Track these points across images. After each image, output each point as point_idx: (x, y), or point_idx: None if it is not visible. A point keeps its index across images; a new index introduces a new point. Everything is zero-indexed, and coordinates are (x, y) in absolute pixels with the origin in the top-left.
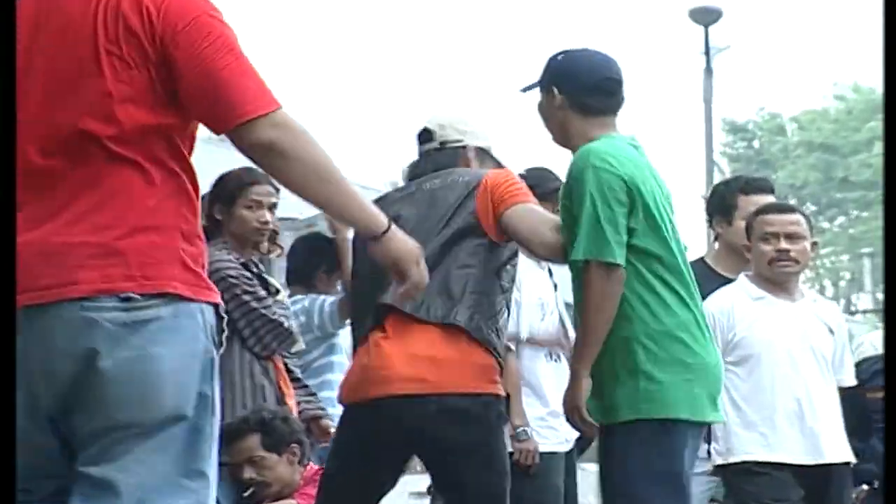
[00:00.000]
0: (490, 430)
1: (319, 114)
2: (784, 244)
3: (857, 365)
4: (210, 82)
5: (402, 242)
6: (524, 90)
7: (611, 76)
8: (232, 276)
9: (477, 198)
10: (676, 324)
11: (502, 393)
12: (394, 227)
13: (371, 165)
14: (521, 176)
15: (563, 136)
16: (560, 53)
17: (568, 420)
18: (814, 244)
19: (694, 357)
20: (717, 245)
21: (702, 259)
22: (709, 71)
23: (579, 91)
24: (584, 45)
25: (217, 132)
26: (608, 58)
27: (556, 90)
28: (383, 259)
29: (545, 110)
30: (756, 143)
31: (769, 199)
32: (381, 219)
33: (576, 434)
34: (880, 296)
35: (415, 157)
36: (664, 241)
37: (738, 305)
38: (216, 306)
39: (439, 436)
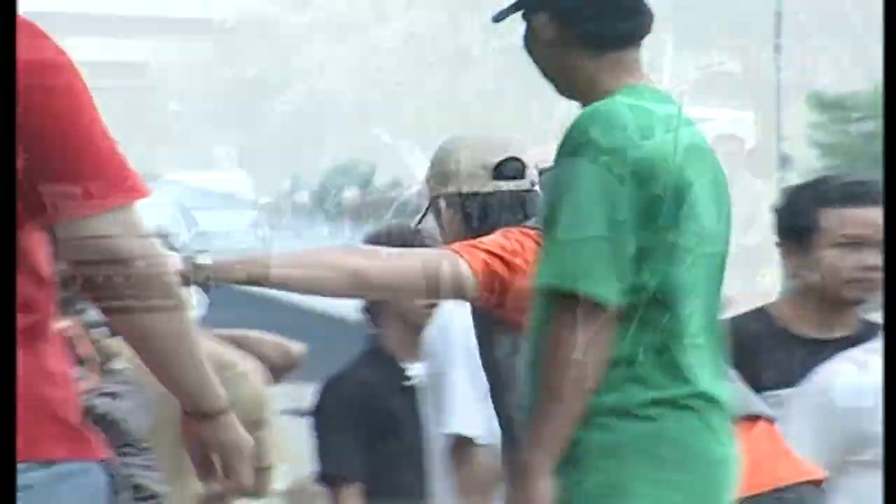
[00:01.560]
0: None
1: None
2: None
3: None
4: None
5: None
6: (496, 19)
7: None
8: None
9: None
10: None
11: None
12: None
13: None
14: None
15: (570, 85)
16: None
17: None
18: None
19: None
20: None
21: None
22: None
23: (582, 11)
24: None
25: None
26: None
27: (545, 15)
28: (206, 446)
29: (535, 48)
30: None
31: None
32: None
33: None
34: None
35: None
36: (694, 273)
37: None
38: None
39: None
